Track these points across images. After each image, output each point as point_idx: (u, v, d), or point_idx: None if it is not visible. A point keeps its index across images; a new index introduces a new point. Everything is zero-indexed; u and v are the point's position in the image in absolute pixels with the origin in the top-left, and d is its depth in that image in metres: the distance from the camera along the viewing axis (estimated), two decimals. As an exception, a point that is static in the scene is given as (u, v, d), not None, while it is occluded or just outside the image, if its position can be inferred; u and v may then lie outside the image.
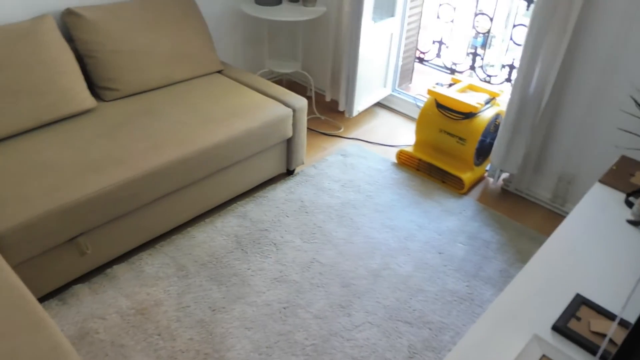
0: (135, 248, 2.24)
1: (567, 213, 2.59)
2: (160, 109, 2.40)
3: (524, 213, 2.64)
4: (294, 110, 2.55)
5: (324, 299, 2.04)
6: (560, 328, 1.11)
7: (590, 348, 1.07)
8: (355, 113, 3.27)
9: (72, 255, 1.95)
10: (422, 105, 3.38)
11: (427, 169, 2.87)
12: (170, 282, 2.08)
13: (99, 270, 2.13)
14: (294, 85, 3.79)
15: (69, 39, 2.47)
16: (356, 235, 2.38)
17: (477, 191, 2.78)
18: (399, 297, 2.08)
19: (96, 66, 2.42)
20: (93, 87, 2.49)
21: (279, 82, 3.81)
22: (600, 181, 1.66)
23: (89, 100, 2.34)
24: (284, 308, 2.00)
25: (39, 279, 1.88)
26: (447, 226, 2.48)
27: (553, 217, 2.62)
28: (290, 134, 2.59)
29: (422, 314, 2.01)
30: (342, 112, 3.45)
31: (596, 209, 1.55)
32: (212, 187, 2.37)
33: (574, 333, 1.10)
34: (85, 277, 2.09)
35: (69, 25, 2.42)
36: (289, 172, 2.81)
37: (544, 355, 1.05)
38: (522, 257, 2.32)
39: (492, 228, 2.49)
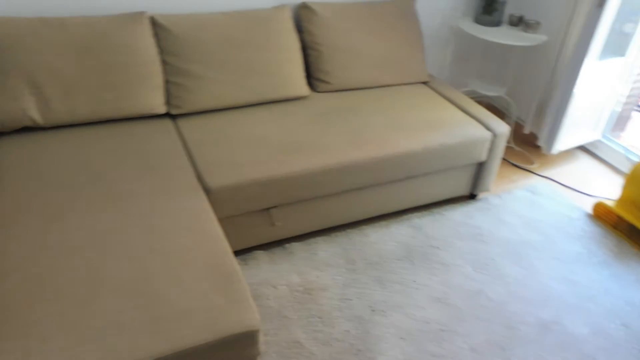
0: (313, 231, 2.38)
1: None
2: (364, 108, 2.51)
3: None
4: (493, 135, 2.47)
5: (484, 334, 1.96)
6: None
7: None
8: (554, 151, 3.06)
9: (263, 224, 2.14)
10: (635, 158, 3.05)
11: (627, 230, 2.58)
12: (339, 271, 2.17)
13: (279, 243, 2.31)
14: (493, 110, 3.67)
15: (299, 29, 2.70)
16: (531, 278, 2.24)
17: (683, 269, 2.43)
18: (567, 358, 1.91)
19: (317, 58, 2.61)
20: (309, 77, 2.69)
21: (477, 103, 3.73)
22: None
23: (304, 89, 2.54)
24: (442, 330, 1.96)
25: (232, 236, 2.11)
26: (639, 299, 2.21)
27: None
28: (483, 158, 2.52)
29: (591, 384, 1.83)
30: (539, 147, 3.25)
31: None
32: (394, 193, 2.41)
33: None
34: (266, 246, 2.28)
35: (302, 18, 2.64)
36: (472, 196, 2.74)
37: None
38: None
39: (696, 315, 2.15)
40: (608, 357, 1.93)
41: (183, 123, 2.28)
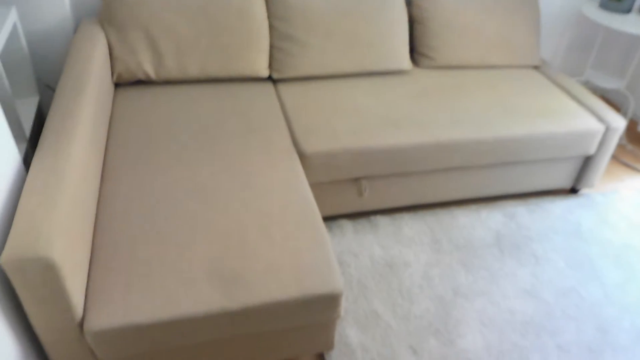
0: (400, 207, 2.36)
1: None
2: (468, 87, 2.42)
3: None
4: (606, 128, 2.30)
5: (573, 334, 1.86)
6: None
7: None
8: (674, 153, 2.80)
9: (351, 193, 2.15)
10: None
11: None
12: (423, 249, 2.14)
13: (365, 214, 2.31)
14: (607, 103, 3.41)
15: (407, 2, 2.64)
16: (632, 283, 2.08)
17: None
18: (665, 371, 1.77)
19: (423, 33, 2.55)
20: (412, 52, 2.63)
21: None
22: None
23: (407, 62, 2.49)
24: (527, 323, 1.89)
25: (320, 202, 2.14)
26: None
27: None
28: (592, 152, 2.35)
29: (690, 403, 1.68)
30: (655, 147, 2.99)
31: None
32: (490, 178, 2.32)
33: None
34: (352, 216, 2.30)
35: (412, -10, 2.58)
36: (573, 191, 2.58)
37: None
38: None
39: None
40: None
41: (283, 87, 2.33)
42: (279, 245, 1.53)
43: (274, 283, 1.43)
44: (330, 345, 1.65)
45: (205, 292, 1.39)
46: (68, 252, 1.27)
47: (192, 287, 1.40)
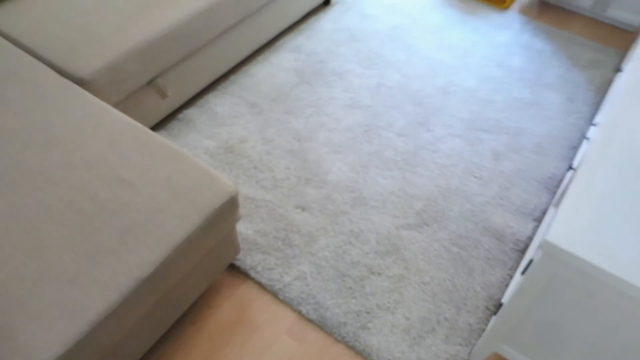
0: (200, 92, 2.18)
1: (611, 18, 2.61)
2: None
3: (567, 22, 2.64)
4: None
5: (402, 119, 2.09)
6: None
7: None
8: None
9: (154, 99, 1.89)
10: None
11: (463, -13, 2.77)
12: (247, 119, 2.06)
13: (172, 117, 2.08)
14: None
15: None
16: (414, 56, 2.36)
17: (517, 5, 2.74)
18: (471, 109, 2.14)
19: None
20: None
21: None
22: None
23: None
24: (365, 131, 2.04)
25: (125, 126, 1.84)
26: (499, 40, 2.47)
27: (596, 25, 2.63)
28: (330, -43, 2.42)
29: (497, 122, 2.09)
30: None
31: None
32: (263, 21, 2.25)
33: None
34: (160, 125, 2.05)
35: None
36: (326, 2, 2.68)
37: None
38: (576, 62, 2.37)
39: (542, 38, 2.50)
40: (499, 94, 2.20)
41: (-8, 19, 1.78)
42: (141, 185, 1.30)
43: (169, 224, 1.24)
44: (237, 250, 1.57)
45: (102, 282, 1.14)
46: None
47: (76, 289, 1.13)
